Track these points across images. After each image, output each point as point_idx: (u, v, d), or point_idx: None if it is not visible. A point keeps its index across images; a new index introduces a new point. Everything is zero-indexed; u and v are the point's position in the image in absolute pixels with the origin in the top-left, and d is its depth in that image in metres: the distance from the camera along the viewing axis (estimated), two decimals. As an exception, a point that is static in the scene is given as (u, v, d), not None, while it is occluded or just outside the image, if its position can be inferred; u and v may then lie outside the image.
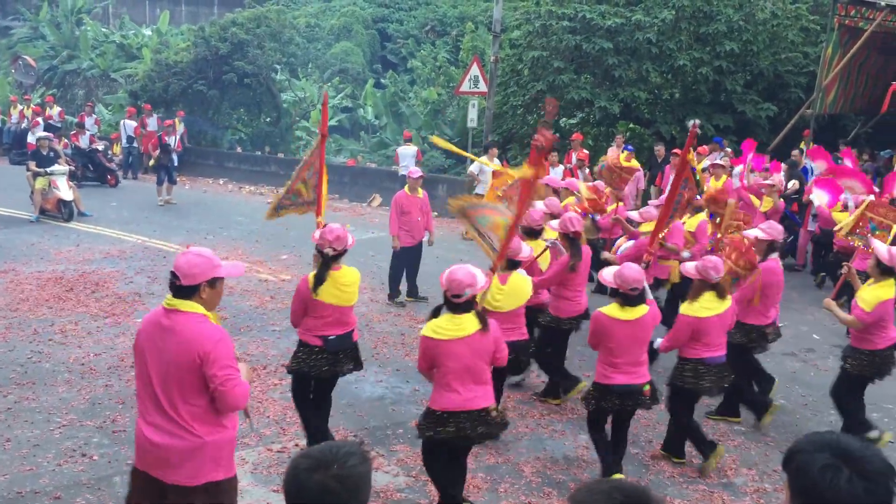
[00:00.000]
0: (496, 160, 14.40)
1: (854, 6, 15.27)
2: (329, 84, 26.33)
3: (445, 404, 4.90)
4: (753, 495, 5.87)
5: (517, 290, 6.19)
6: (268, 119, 23.91)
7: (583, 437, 6.43)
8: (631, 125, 18.14)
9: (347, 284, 5.67)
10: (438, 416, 4.92)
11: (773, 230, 6.96)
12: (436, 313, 5.00)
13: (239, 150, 22.96)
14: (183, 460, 3.73)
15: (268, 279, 11.06)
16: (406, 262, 10.35)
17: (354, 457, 2.12)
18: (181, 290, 3.75)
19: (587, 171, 14.34)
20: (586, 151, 15.46)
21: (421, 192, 10.33)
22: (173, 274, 3.76)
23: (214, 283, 3.80)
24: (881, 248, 6.31)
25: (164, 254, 12.15)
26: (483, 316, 4.94)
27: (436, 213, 16.49)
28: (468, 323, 4.85)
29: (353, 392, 7.29)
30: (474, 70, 16.94)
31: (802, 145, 15.68)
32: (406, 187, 10.33)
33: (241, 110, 24.03)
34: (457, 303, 4.87)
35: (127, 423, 6.26)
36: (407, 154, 16.99)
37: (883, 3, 14.82)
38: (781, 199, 11.52)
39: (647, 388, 5.65)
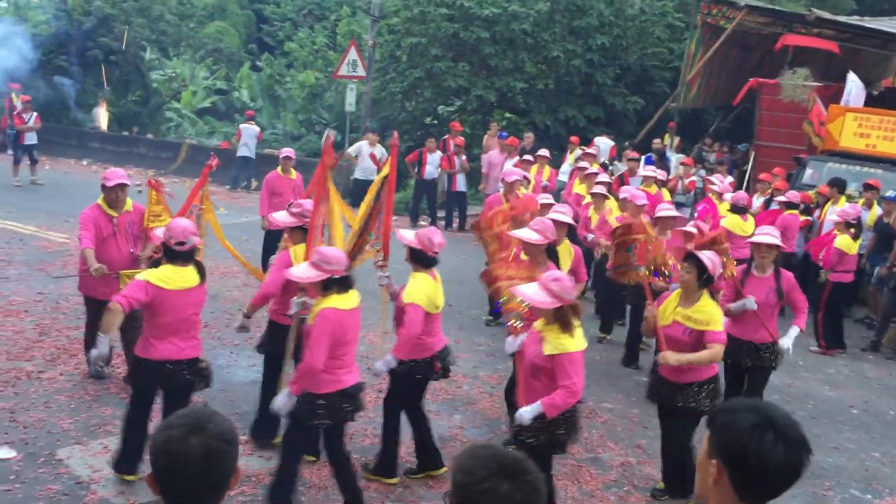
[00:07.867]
0: (380, 146, 14.41)
1: (716, 5, 16.07)
2: (202, 64, 25.45)
3: (161, 354, 5.09)
4: (619, 468, 6.12)
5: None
6: (135, 98, 22.82)
7: (457, 417, 6.51)
8: (507, 114, 18.47)
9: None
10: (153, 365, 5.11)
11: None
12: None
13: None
14: None
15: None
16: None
17: (217, 415, 2.07)
18: None
19: (464, 157, 14.52)
20: (462, 138, 15.66)
21: (294, 174, 10.10)
22: None
23: None
24: None
25: (20, 236, 11.48)
26: (202, 268, 5.20)
27: (313, 199, 16.44)
28: (191, 275, 5.11)
29: (225, 377, 7.12)
30: (352, 54, 16.79)
31: (667, 138, 16.43)
32: (279, 168, 10.10)
33: (108, 89, 22.84)
34: (179, 251, 5.03)
35: None
36: (250, 133, 16.79)
37: (742, 3, 15.67)
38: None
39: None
